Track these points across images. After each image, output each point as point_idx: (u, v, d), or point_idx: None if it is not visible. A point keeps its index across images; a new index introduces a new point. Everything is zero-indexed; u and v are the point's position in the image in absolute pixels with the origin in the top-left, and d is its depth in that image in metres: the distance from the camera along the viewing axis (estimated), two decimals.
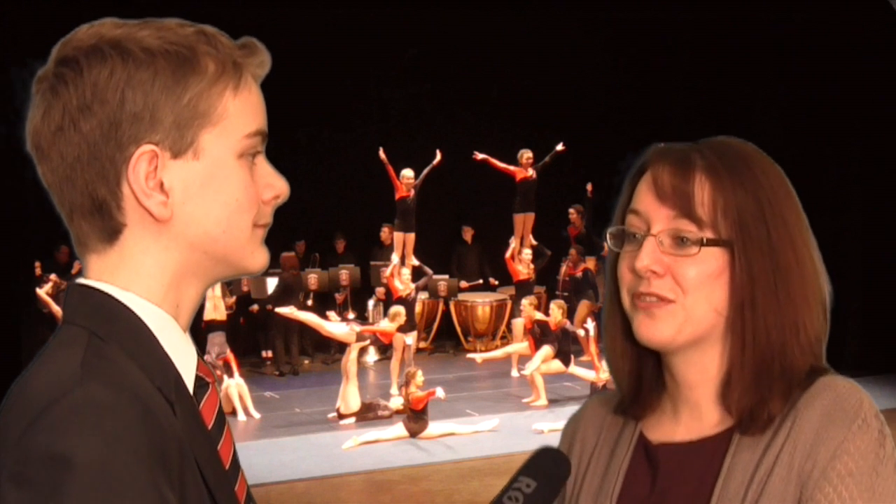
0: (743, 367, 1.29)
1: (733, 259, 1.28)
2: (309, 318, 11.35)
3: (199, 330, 10.16)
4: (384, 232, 13.12)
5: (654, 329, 1.30)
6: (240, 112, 1.15)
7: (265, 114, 1.19)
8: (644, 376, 1.38)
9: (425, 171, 12.24)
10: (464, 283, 13.57)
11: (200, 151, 1.13)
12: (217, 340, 10.35)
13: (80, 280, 1.15)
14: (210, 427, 1.16)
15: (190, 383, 1.14)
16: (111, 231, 1.13)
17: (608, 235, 1.36)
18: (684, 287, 1.29)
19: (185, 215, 1.13)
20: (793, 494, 1.23)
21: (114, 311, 1.12)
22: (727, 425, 1.31)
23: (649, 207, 1.31)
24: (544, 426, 9.45)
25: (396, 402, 10.36)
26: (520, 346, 11.45)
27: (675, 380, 1.35)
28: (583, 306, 12.49)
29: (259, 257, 1.19)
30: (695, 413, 1.34)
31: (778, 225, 1.29)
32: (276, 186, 1.19)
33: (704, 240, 1.28)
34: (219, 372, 9.70)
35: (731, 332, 1.30)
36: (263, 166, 1.18)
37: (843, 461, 1.21)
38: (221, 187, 1.14)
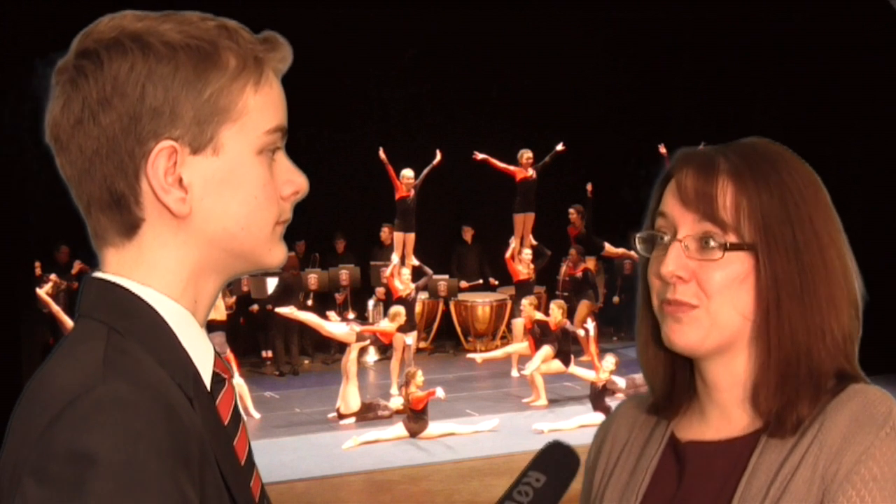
0: (768, 371, 1.29)
1: (758, 263, 1.28)
2: (309, 318, 11.35)
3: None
4: (384, 232, 13.12)
5: (680, 334, 1.30)
6: (260, 108, 1.14)
7: (286, 109, 1.18)
8: (677, 378, 1.39)
9: (425, 171, 12.24)
10: (464, 283, 13.56)
11: (220, 148, 1.12)
12: (217, 340, 10.34)
13: (98, 274, 1.15)
14: (226, 423, 1.15)
15: (207, 379, 1.14)
16: (129, 225, 1.13)
17: (637, 240, 1.35)
18: (708, 292, 1.29)
19: (204, 212, 1.13)
20: (815, 496, 1.23)
21: (133, 307, 1.11)
22: (756, 427, 1.32)
23: (675, 212, 1.31)
24: (544, 426, 9.46)
25: (396, 402, 10.35)
26: (520, 346, 11.45)
27: (704, 382, 1.36)
28: (583, 306, 12.49)
29: (277, 253, 1.19)
30: (724, 414, 1.35)
31: (804, 227, 1.28)
32: (295, 182, 1.18)
33: (728, 244, 1.28)
34: None
35: (757, 336, 1.30)
36: (283, 162, 1.18)
37: (868, 466, 1.21)
38: (241, 184, 1.14)
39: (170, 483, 1.00)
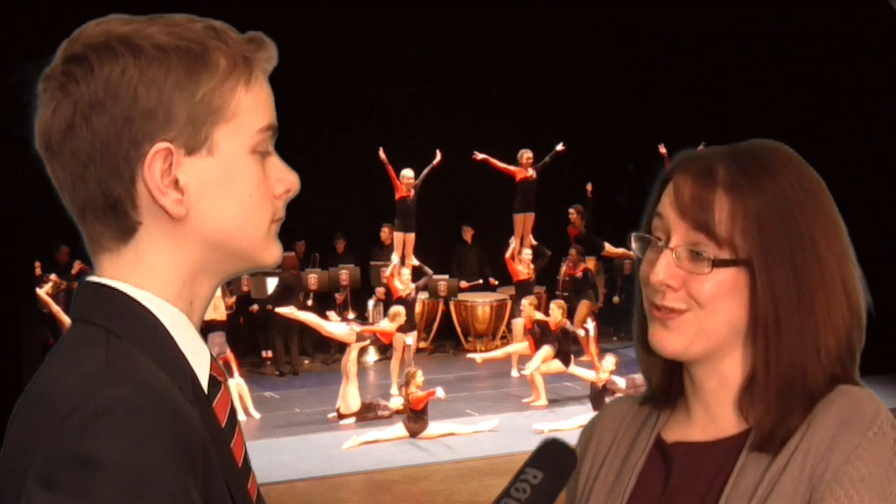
0: (767, 387, 1.28)
1: (752, 277, 1.27)
2: (309, 318, 11.35)
3: (199, 330, 10.16)
4: (384, 232, 13.12)
5: (666, 340, 1.31)
6: (252, 107, 1.14)
7: (274, 108, 1.18)
8: (674, 372, 1.38)
9: (425, 171, 12.24)
10: (464, 283, 13.56)
11: (215, 148, 1.12)
12: (217, 340, 10.34)
13: (93, 278, 1.14)
14: (223, 426, 1.15)
15: (204, 382, 1.14)
16: (126, 229, 1.12)
17: (633, 239, 1.35)
18: (698, 300, 1.28)
19: (201, 212, 1.12)
20: (802, 496, 1.23)
21: (130, 310, 1.11)
22: (742, 428, 1.31)
23: (670, 217, 1.30)
24: (544, 426, 9.46)
25: (396, 402, 10.36)
26: (520, 346, 11.45)
27: (692, 382, 1.36)
28: (583, 306, 12.49)
29: (273, 251, 1.19)
30: (710, 415, 1.35)
31: (803, 242, 1.27)
32: (287, 180, 1.18)
33: (716, 260, 1.27)
34: None
35: (751, 348, 1.30)
36: (274, 161, 1.18)
37: (855, 466, 1.21)
38: (236, 183, 1.14)
39: (177, 487, 0.99)
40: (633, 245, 1.35)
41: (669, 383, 1.39)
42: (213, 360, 1.18)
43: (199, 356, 1.14)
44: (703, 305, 1.28)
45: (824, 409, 1.26)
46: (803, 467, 1.24)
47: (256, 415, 10.19)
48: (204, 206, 1.12)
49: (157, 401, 1.02)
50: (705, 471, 1.32)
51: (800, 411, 1.27)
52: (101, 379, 1.03)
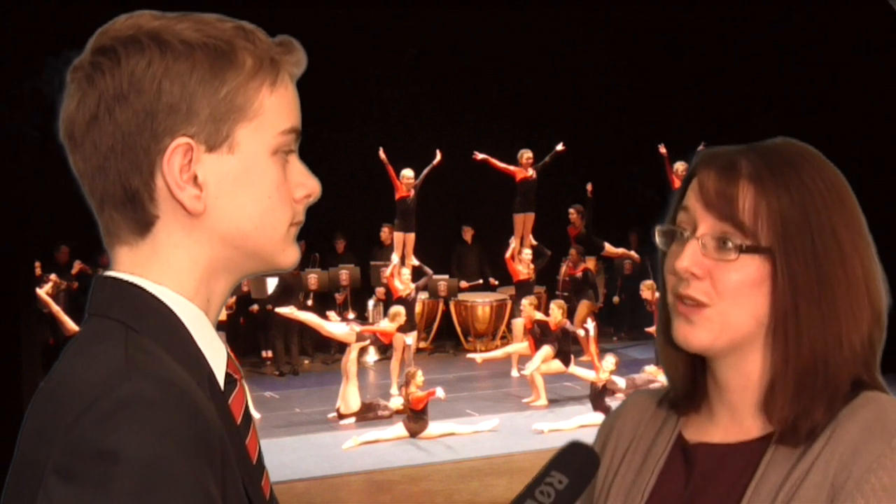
0: (785, 379, 1.28)
1: (775, 268, 1.27)
2: (309, 318, 11.35)
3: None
4: (384, 232, 13.12)
5: (691, 334, 1.30)
6: (276, 108, 1.15)
7: (300, 112, 1.18)
8: (698, 373, 1.38)
9: (425, 171, 12.24)
10: (464, 283, 13.57)
11: (235, 146, 1.13)
12: None
13: (111, 273, 1.14)
14: (239, 423, 1.16)
15: (221, 379, 1.15)
16: (143, 223, 1.13)
17: (657, 233, 1.35)
18: (721, 292, 1.28)
19: (218, 210, 1.13)
20: (824, 502, 1.23)
21: (148, 306, 1.11)
22: (766, 431, 1.31)
23: (696, 210, 1.31)
24: (544, 426, 9.46)
25: (396, 402, 10.35)
26: (520, 346, 11.44)
27: (716, 382, 1.35)
28: (583, 306, 12.49)
29: (291, 254, 1.19)
30: (734, 416, 1.34)
31: (824, 234, 1.27)
32: (308, 185, 1.18)
33: (744, 246, 1.27)
34: None
35: (773, 342, 1.29)
36: (296, 165, 1.18)
37: (878, 475, 1.21)
38: (255, 183, 1.14)
39: (195, 481, 1.00)
40: (658, 239, 1.35)
41: (693, 385, 1.38)
42: (230, 357, 1.18)
43: (216, 353, 1.15)
44: (725, 298, 1.28)
45: (849, 415, 1.26)
46: (826, 474, 1.24)
47: (256, 415, 10.17)
48: (222, 203, 1.13)
49: (176, 396, 1.03)
50: (727, 473, 1.32)
51: (822, 405, 1.27)
52: (122, 373, 1.03)
